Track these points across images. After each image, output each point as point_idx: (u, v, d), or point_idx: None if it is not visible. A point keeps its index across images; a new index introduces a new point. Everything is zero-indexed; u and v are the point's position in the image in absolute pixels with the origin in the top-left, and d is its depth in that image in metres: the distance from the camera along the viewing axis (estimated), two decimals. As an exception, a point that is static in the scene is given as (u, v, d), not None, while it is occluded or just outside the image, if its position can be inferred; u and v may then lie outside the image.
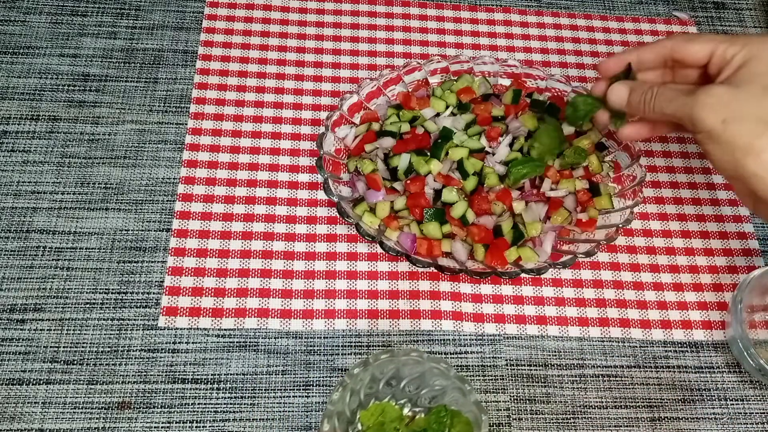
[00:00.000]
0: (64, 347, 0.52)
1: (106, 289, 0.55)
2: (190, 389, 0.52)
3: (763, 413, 0.55)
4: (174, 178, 0.60)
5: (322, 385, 0.53)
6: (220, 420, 0.51)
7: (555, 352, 0.56)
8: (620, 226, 0.56)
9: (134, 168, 0.60)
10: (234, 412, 0.51)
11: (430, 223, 0.55)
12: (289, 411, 0.52)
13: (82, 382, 0.51)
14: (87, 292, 0.55)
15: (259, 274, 0.57)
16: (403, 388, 0.46)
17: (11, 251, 0.56)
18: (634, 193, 0.58)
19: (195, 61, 0.66)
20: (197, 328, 0.54)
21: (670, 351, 0.57)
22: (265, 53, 0.68)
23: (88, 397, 0.51)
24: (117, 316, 0.54)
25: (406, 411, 0.46)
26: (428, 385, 0.45)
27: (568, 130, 0.60)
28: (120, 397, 0.51)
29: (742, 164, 0.42)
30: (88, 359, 0.52)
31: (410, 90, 0.63)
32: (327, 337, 0.55)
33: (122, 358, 0.52)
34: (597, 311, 0.58)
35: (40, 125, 0.62)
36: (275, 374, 0.53)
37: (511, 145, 0.60)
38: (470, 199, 0.57)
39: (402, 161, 0.58)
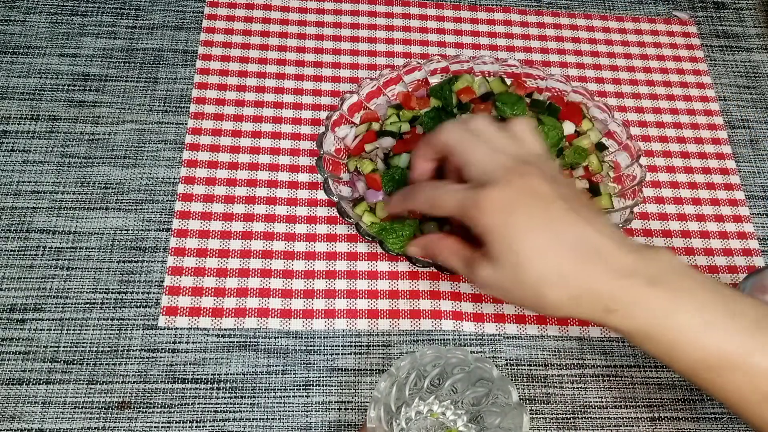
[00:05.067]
0: (64, 347, 0.52)
1: (106, 289, 0.55)
2: (190, 389, 0.52)
3: (763, 413, 0.55)
4: (174, 178, 0.60)
5: (322, 385, 0.53)
6: (220, 420, 0.51)
7: (555, 351, 0.56)
8: (620, 226, 0.56)
9: (134, 168, 0.60)
10: (234, 412, 0.51)
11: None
12: (289, 411, 0.52)
13: (82, 382, 0.51)
14: (87, 292, 0.55)
15: (259, 274, 0.57)
16: (446, 387, 0.45)
17: (11, 251, 0.56)
18: (634, 193, 0.58)
19: (195, 61, 0.66)
20: (197, 328, 0.54)
21: (670, 351, 0.57)
22: (265, 53, 0.68)
23: (88, 397, 0.51)
24: (117, 315, 0.54)
25: (448, 414, 0.45)
26: (472, 387, 0.44)
27: (567, 129, 0.60)
28: (120, 397, 0.51)
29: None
30: (88, 359, 0.52)
31: (410, 90, 0.63)
32: (327, 337, 0.55)
33: (122, 358, 0.52)
34: (597, 311, 0.58)
35: (40, 125, 0.62)
36: (275, 374, 0.53)
37: (511, 144, 0.60)
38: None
39: (402, 161, 0.58)
